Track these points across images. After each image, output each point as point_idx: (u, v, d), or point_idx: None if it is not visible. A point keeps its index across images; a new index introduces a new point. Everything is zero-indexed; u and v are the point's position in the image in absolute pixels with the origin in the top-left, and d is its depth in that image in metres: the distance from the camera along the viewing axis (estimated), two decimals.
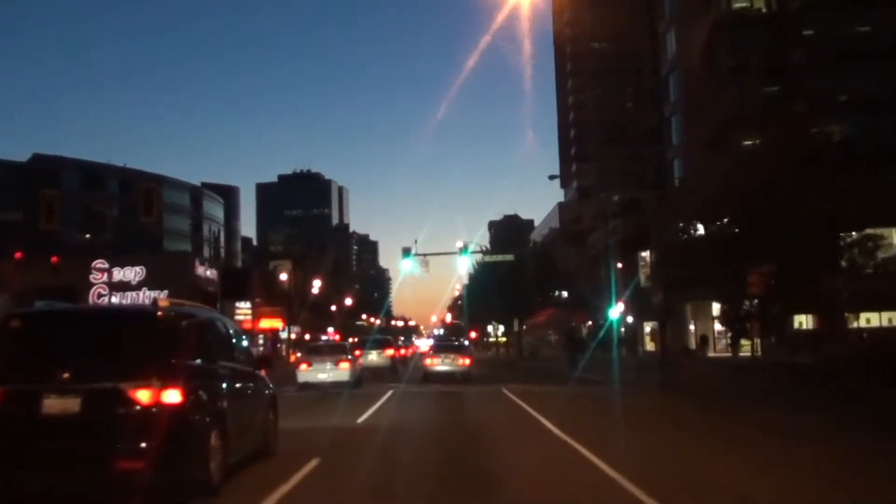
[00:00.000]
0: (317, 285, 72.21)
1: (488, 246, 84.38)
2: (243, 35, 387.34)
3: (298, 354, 33.58)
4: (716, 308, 41.50)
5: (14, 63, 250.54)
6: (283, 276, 67.06)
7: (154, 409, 6.91)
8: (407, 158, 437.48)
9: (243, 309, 59.33)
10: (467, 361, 29.67)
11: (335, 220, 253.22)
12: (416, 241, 41.79)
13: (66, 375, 7.01)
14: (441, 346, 33.68)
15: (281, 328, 66.64)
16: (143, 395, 6.93)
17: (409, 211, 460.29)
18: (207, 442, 7.50)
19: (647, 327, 52.78)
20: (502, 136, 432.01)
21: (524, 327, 71.03)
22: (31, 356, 7.24)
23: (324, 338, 67.68)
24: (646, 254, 49.25)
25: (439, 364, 29.13)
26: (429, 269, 35.05)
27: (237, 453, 8.50)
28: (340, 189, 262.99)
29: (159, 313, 7.78)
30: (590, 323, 64.82)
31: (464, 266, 41.41)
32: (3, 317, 7.96)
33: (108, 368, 7.07)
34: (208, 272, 51.52)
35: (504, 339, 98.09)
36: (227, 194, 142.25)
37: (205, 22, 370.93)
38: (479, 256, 70.55)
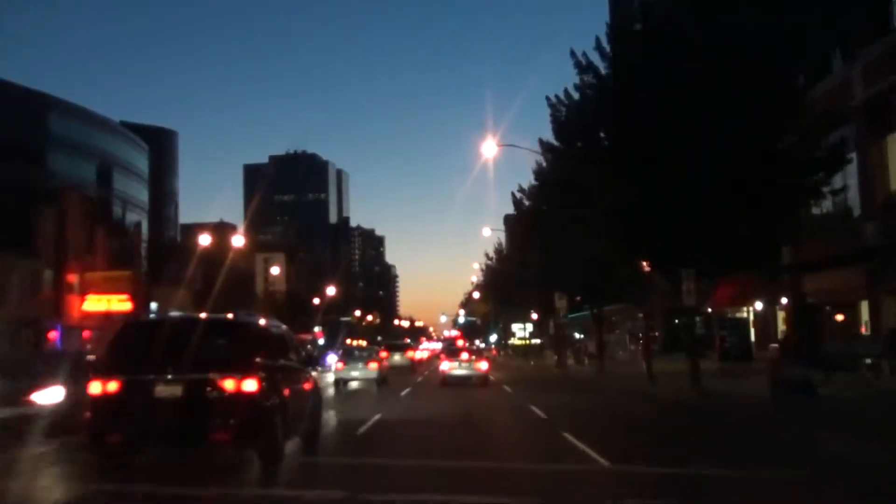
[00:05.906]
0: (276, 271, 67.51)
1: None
2: (232, 3, 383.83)
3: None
4: None
5: None
6: (206, 240, 47.48)
7: (237, 395, 9.16)
8: (414, 144, 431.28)
9: None
10: (484, 366, 29.80)
11: (332, 208, 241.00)
12: None
13: (171, 368, 9.27)
14: (455, 350, 34.04)
15: (130, 310, 44.57)
16: (229, 384, 9.19)
17: (419, 204, 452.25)
18: (274, 420, 9.75)
19: None
20: (524, 111, 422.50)
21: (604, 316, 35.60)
22: (147, 353, 9.48)
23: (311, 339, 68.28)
24: None
25: (457, 368, 29.66)
26: None
27: (294, 431, 10.86)
28: (339, 172, 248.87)
29: (239, 322, 10.26)
30: (756, 307, 35.18)
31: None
32: (124, 323, 10.32)
33: (203, 363, 9.31)
34: None
35: (526, 340, 72.08)
36: (157, 139, 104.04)
37: None
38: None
